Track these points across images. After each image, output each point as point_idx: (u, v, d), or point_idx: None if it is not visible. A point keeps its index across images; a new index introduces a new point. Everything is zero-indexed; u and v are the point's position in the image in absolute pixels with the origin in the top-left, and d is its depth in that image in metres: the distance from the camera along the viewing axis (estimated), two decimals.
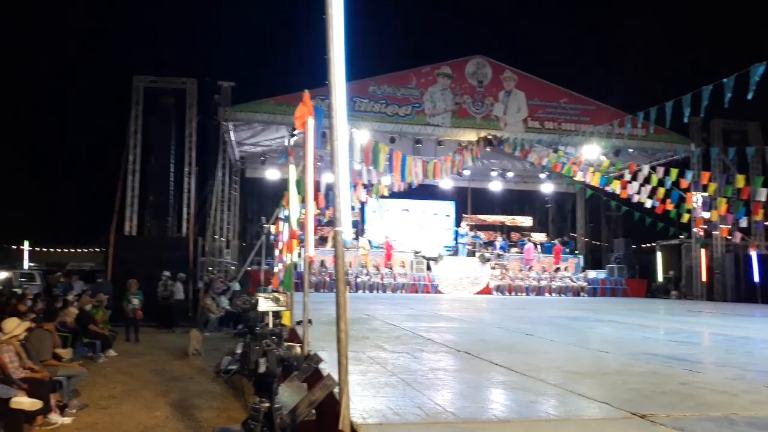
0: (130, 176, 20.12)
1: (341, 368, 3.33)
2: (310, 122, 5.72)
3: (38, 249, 47.65)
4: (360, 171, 17.23)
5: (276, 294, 3.55)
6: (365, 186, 20.97)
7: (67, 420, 6.64)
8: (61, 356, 7.95)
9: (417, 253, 24.53)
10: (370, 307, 13.70)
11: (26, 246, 45.77)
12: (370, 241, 24.98)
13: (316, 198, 12.69)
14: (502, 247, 26.09)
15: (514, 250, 26.86)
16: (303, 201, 7.63)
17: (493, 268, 24.07)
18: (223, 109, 20.78)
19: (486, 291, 23.41)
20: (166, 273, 16.49)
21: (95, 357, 10.53)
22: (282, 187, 11.04)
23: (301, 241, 7.76)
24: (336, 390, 3.56)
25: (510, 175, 28.56)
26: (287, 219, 8.95)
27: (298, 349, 3.39)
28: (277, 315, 3.70)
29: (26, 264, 39.75)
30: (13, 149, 38.92)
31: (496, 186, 29.57)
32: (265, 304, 3.54)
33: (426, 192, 27.57)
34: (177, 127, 21.00)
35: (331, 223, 4.28)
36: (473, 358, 6.35)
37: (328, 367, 4.33)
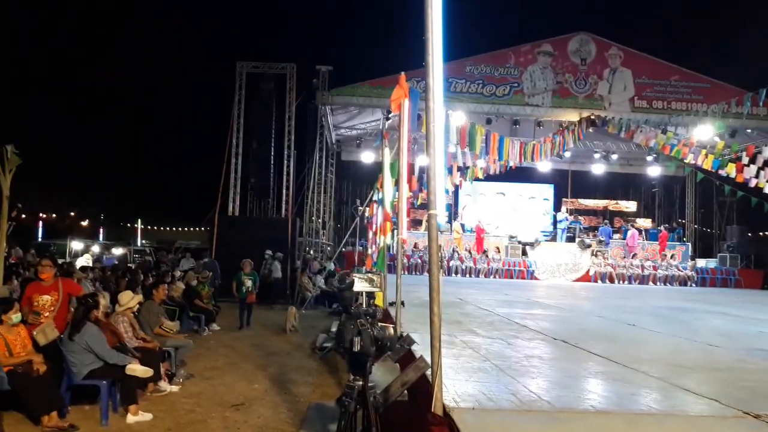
0: (234, 159, 21.04)
1: (434, 351, 3.32)
2: (406, 105, 5.70)
3: (150, 228, 51.12)
4: (455, 153, 17.02)
5: (370, 275, 3.58)
6: (459, 169, 20.77)
7: (174, 388, 7.07)
8: (168, 328, 8.45)
9: (512, 237, 24.02)
10: (463, 292, 13.60)
11: (139, 224, 49.32)
12: (462, 225, 24.73)
13: (409, 181, 12.70)
14: (604, 233, 24.98)
15: (617, 236, 25.66)
16: (396, 184, 7.67)
17: (593, 254, 23.15)
18: (321, 93, 21.19)
19: (586, 278, 22.58)
20: (269, 252, 17.15)
21: (200, 330, 11.13)
22: (376, 169, 11.14)
23: (395, 224, 7.82)
24: (428, 372, 3.56)
25: (614, 157, 27.18)
26: (381, 201, 9.02)
27: (392, 330, 3.40)
28: (371, 295, 3.72)
29: (139, 241, 42.74)
30: (126, 136, 41.73)
31: (598, 169, 28.28)
32: (360, 284, 3.58)
33: (523, 175, 26.86)
34: (277, 111, 21.74)
35: (425, 206, 4.29)
36: (570, 347, 6.15)
37: (421, 348, 4.34)
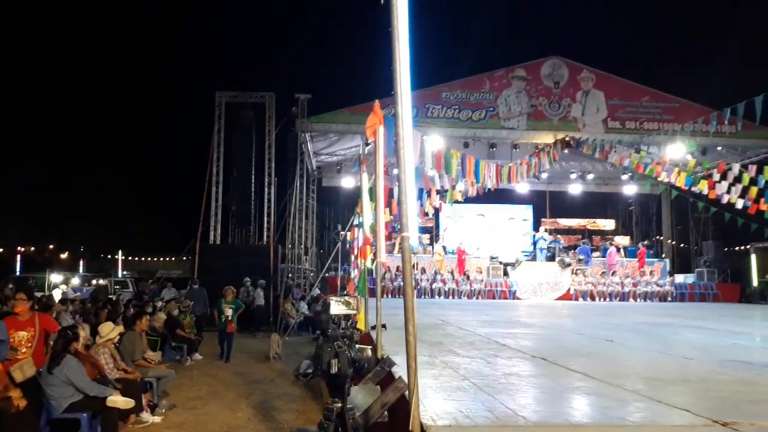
0: (214, 187, 21.08)
1: (410, 371, 3.40)
2: (381, 131, 5.84)
3: (131, 258, 50.63)
4: (433, 177, 17.23)
5: (347, 298, 3.67)
6: (438, 192, 20.99)
7: (157, 419, 7.03)
8: (150, 359, 8.42)
9: (493, 258, 24.22)
10: (445, 313, 13.68)
11: (120, 256, 48.86)
12: (444, 248, 24.89)
13: (389, 205, 12.84)
14: (583, 252, 25.30)
15: (596, 254, 25.99)
16: (376, 208, 7.79)
17: (574, 273, 23.40)
18: (300, 121, 21.38)
19: (566, 297, 22.79)
20: (248, 279, 17.14)
21: (182, 360, 11.06)
22: (357, 195, 11.29)
23: (375, 248, 7.91)
24: (407, 392, 3.63)
25: (590, 177, 27.69)
26: (361, 225, 9.12)
27: (369, 352, 3.48)
28: (348, 318, 3.81)
29: (120, 272, 42.30)
30: (106, 168, 41.57)
31: (575, 188, 28.76)
32: (336, 307, 3.68)
33: (502, 196, 27.18)
34: (257, 139, 21.89)
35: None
36: (549, 363, 6.26)
37: (401, 370, 4.41)
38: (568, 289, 22.95)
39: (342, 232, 20.21)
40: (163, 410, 7.39)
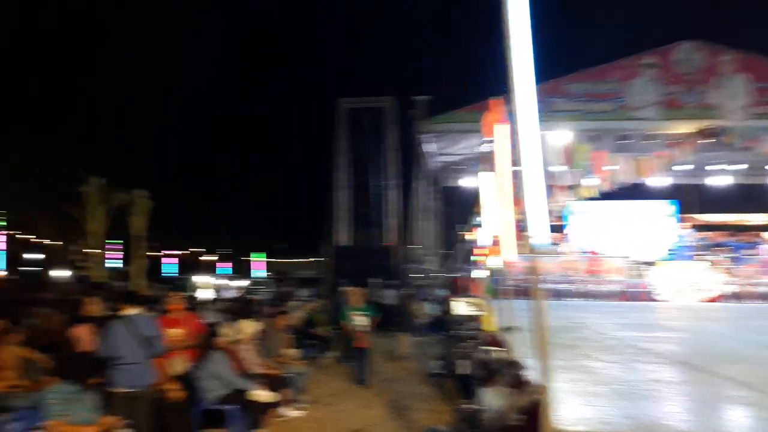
0: (341, 192, 21.77)
1: (543, 374, 3.31)
2: (499, 129, 5.74)
3: (270, 260, 53.80)
4: (560, 173, 16.61)
5: (472, 299, 3.63)
6: (567, 188, 20.16)
7: (296, 414, 7.37)
8: (289, 356, 8.83)
9: (629, 258, 22.87)
10: (578, 315, 13.14)
11: (259, 258, 52.09)
12: (575, 247, 23.89)
13: (516, 204, 12.55)
14: (733, 249, 23.14)
15: (747, 251, 23.67)
16: (499, 207, 7.64)
17: (722, 272, 21.51)
18: (420, 123, 21.48)
19: (714, 299, 21.00)
20: (376, 281, 17.51)
21: (318, 357, 11.49)
22: (480, 194, 11.17)
23: (501, 248, 7.76)
24: (540, 397, 3.53)
25: (737, 168, 25.23)
26: (485, 225, 9.00)
27: (499, 354, 3.42)
28: (472, 319, 3.77)
29: (260, 273, 44.94)
30: (245, 177, 44.51)
31: (721, 181, 26.34)
32: (460, 308, 3.65)
33: (638, 192, 25.54)
34: (378, 143, 22.33)
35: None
36: (696, 370, 5.81)
37: (533, 373, 4.30)
38: (716, 290, 21.12)
39: (466, 233, 20.06)
40: (302, 405, 7.73)
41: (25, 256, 36.42)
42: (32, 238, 33.35)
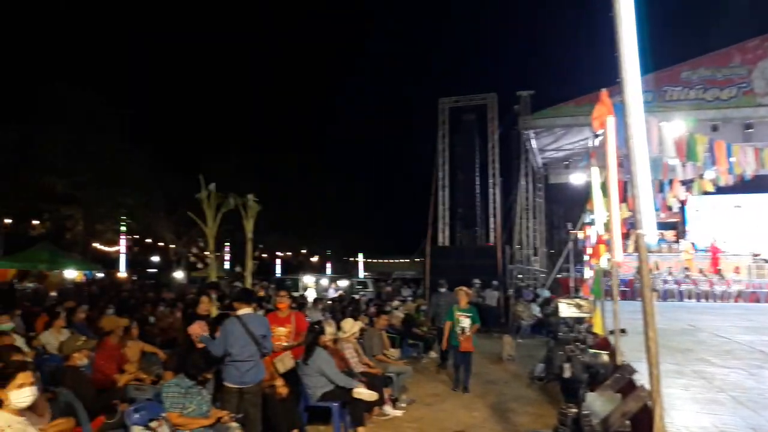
0: (441, 191, 21.74)
1: (653, 379, 3.12)
2: (610, 121, 5.46)
3: (370, 260, 54.75)
4: (674, 167, 15.58)
5: (578, 300, 3.49)
6: (684, 183, 18.89)
7: (398, 412, 7.45)
8: (390, 355, 8.94)
9: (757, 256, 21.07)
10: (696, 318, 12.28)
11: (360, 258, 53.13)
12: (693, 244, 22.34)
13: (624, 200, 11.94)
14: None
15: None
16: (608, 204, 7.29)
17: None
18: (523, 119, 21.03)
19: None
20: (477, 281, 17.33)
21: (419, 357, 11.55)
22: (587, 191, 10.68)
23: (610, 247, 7.41)
24: (650, 402, 3.34)
25: None
26: (593, 223, 8.64)
27: (606, 357, 3.28)
28: (580, 321, 3.63)
29: (361, 273, 45.81)
30: (343, 179, 45.64)
31: None
32: (566, 309, 3.52)
33: (763, 184, 23.47)
34: (480, 140, 22.12)
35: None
36: None
37: (643, 378, 4.07)
38: None
39: (573, 231, 19.36)
40: (404, 405, 7.80)
41: (146, 258, 39.43)
42: (152, 241, 35.92)
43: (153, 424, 4.66)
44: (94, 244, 28.74)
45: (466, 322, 8.88)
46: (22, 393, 3.54)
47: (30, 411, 3.81)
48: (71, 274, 21.66)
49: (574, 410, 3.18)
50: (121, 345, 6.72)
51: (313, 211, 41.02)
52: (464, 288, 9.29)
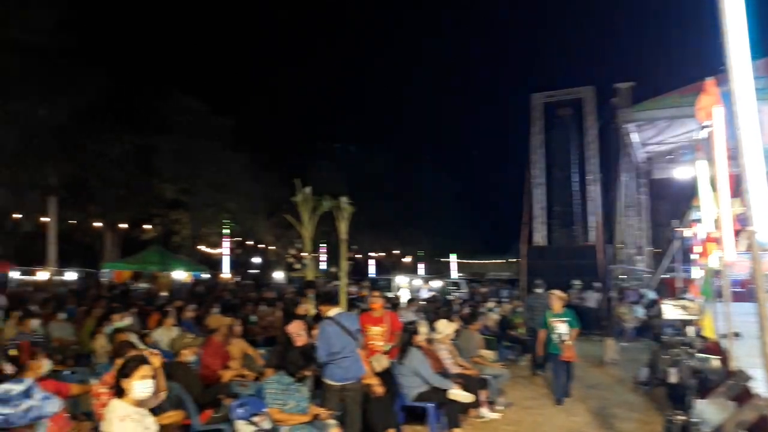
0: (536, 189, 21.20)
1: None
2: (718, 111, 5.14)
3: (462, 261, 54.34)
4: None
5: (684, 302, 3.30)
6: None
7: (495, 415, 7.35)
8: (485, 357, 8.83)
9: None
10: None
11: (453, 258, 52.83)
12: None
13: (736, 195, 11.14)
14: None
15: None
16: (718, 200, 6.83)
17: None
18: (623, 112, 20.06)
19: None
20: (577, 282, 16.77)
21: (516, 360, 11.33)
22: (694, 186, 10.04)
23: (721, 245, 6.94)
24: None
25: None
26: (701, 220, 8.12)
27: (716, 363, 3.07)
28: (688, 324, 3.43)
29: (454, 274, 45.57)
30: (435, 180, 45.50)
31: None
32: (671, 311, 3.34)
33: None
34: (576, 136, 21.38)
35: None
36: None
37: (760, 386, 3.78)
38: None
39: (679, 229, 18.27)
40: (501, 408, 7.69)
41: (248, 259, 41.23)
42: (253, 243, 37.46)
43: (256, 419, 4.87)
44: (200, 247, 30.40)
45: (562, 327, 8.15)
46: (144, 384, 3.82)
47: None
48: (180, 275, 23.01)
49: (682, 418, 3.01)
50: (226, 342, 7.07)
51: (406, 211, 41.28)
52: (556, 291, 8.61)
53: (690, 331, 3.55)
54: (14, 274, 21.15)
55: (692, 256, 12.72)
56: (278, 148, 35.87)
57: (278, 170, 33.96)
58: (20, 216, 21.60)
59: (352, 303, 12.30)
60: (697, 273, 10.83)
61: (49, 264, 23.64)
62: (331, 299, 6.14)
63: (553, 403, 8.07)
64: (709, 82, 5.06)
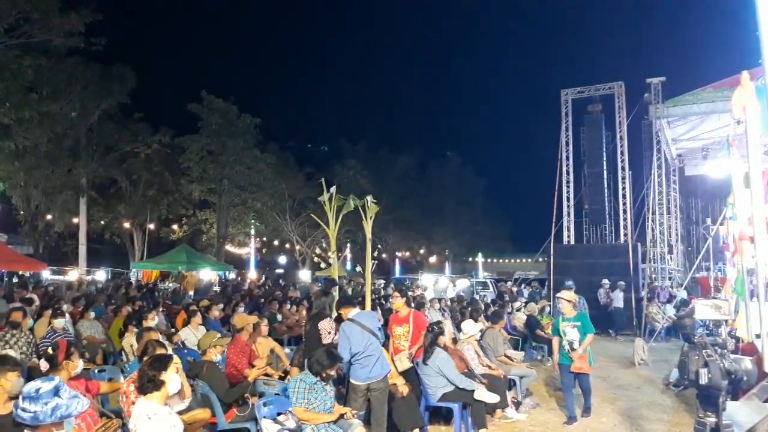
0: (565, 187, 20.88)
1: None
2: (753, 106, 4.97)
3: (489, 260, 53.96)
4: None
5: (716, 301, 3.20)
6: None
7: (521, 416, 7.25)
8: (512, 357, 8.73)
9: None
10: None
11: (480, 258, 52.50)
12: None
13: None
14: None
15: None
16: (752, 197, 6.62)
17: None
18: (654, 107, 19.68)
19: None
20: (606, 281, 16.51)
21: (543, 360, 11.18)
22: (728, 183, 9.74)
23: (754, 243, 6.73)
24: None
25: None
26: (735, 218, 7.90)
27: (749, 363, 2.97)
28: (719, 323, 3.32)
29: (480, 273, 45.32)
30: (460, 177, 45.23)
31: None
32: (703, 311, 3.24)
33: None
34: (607, 132, 21.01)
35: None
36: None
37: None
38: None
39: (712, 227, 17.84)
40: (528, 408, 7.59)
41: (273, 258, 41.54)
42: (279, 243, 37.71)
43: (281, 418, 4.89)
44: (227, 247, 30.75)
45: (573, 334, 7.04)
46: (176, 377, 3.90)
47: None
48: (207, 274, 23.26)
49: (713, 419, 2.91)
50: (252, 341, 7.11)
51: (432, 210, 41.13)
52: (564, 293, 7.54)
53: (722, 331, 3.43)
54: (46, 274, 21.63)
55: (725, 255, 12.43)
56: (304, 148, 36.09)
57: (304, 170, 34.20)
58: (51, 216, 22.09)
59: (377, 302, 12.29)
60: (730, 272, 10.56)
61: (80, 264, 24.18)
62: (350, 301, 6.17)
63: (580, 405, 7.92)
64: (745, 75, 4.90)
